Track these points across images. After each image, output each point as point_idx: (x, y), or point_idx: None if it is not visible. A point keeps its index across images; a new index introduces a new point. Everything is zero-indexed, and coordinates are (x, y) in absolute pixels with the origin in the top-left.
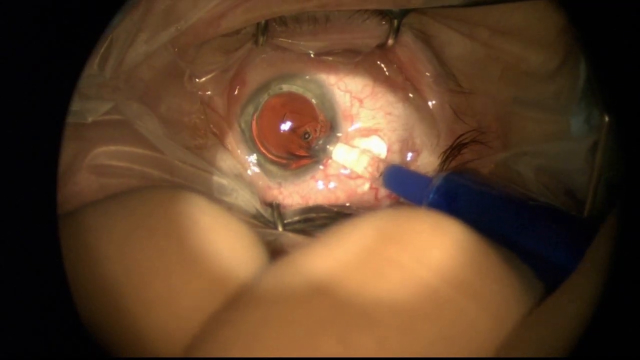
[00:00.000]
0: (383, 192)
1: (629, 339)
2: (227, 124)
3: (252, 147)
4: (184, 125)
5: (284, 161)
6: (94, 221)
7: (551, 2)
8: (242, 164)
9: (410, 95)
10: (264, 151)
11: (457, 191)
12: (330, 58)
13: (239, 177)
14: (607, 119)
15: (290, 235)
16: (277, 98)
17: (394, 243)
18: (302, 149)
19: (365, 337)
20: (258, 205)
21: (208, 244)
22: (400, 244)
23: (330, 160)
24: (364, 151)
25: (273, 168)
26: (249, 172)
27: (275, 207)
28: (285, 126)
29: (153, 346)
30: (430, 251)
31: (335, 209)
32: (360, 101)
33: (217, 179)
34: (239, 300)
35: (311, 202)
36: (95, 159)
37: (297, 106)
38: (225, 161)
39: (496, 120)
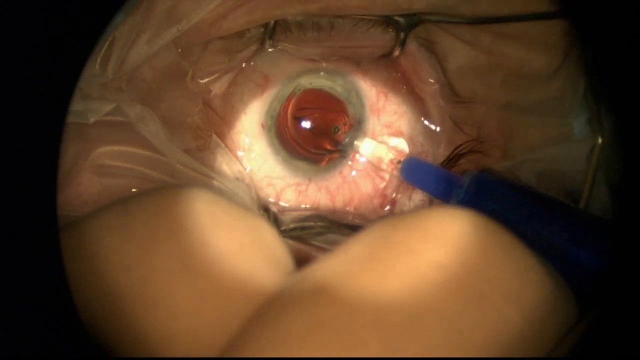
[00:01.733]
0: (389, 199)
1: (629, 339)
2: (228, 125)
3: (279, 146)
4: (186, 126)
5: (315, 156)
6: (98, 234)
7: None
8: (265, 159)
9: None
10: (293, 147)
11: (488, 190)
12: (333, 66)
13: (239, 181)
14: (600, 140)
15: (292, 242)
16: (305, 94)
17: (433, 243)
18: (331, 144)
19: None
20: (255, 211)
21: (220, 250)
22: (431, 241)
23: (357, 155)
24: (390, 147)
25: (301, 165)
26: (257, 173)
27: (271, 214)
28: (315, 122)
29: None
30: (462, 246)
31: (332, 218)
32: (385, 95)
33: (216, 183)
34: (273, 308)
35: (338, 198)
36: (97, 160)
37: (325, 101)
38: (226, 164)
39: (497, 128)
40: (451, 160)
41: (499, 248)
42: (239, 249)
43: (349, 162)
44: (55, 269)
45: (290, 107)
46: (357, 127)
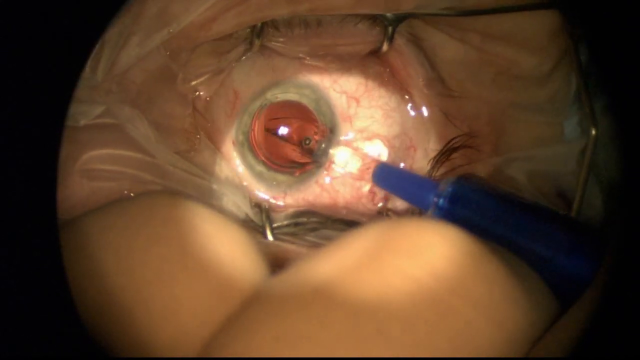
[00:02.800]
0: (379, 196)
1: (629, 339)
2: (219, 131)
3: (253, 159)
4: (176, 129)
5: (288, 169)
6: (94, 232)
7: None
8: (237, 173)
9: (406, 96)
10: (265, 161)
11: (465, 197)
12: (322, 64)
13: (229, 181)
14: (594, 132)
15: (282, 244)
16: (273, 107)
17: (408, 257)
18: (305, 155)
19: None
20: (248, 210)
21: (211, 252)
22: (408, 255)
23: (333, 164)
24: (364, 154)
25: (277, 176)
26: (245, 183)
27: (264, 211)
28: (285, 134)
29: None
30: (438, 261)
31: (326, 214)
32: (357, 100)
33: (207, 183)
34: (255, 308)
35: (317, 206)
36: (87, 163)
37: (294, 113)
38: (217, 165)
39: (488, 124)
40: (444, 154)
41: (470, 260)
42: (220, 256)
43: (325, 171)
44: (55, 272)
45: (259, 122)
46: (330, 135)
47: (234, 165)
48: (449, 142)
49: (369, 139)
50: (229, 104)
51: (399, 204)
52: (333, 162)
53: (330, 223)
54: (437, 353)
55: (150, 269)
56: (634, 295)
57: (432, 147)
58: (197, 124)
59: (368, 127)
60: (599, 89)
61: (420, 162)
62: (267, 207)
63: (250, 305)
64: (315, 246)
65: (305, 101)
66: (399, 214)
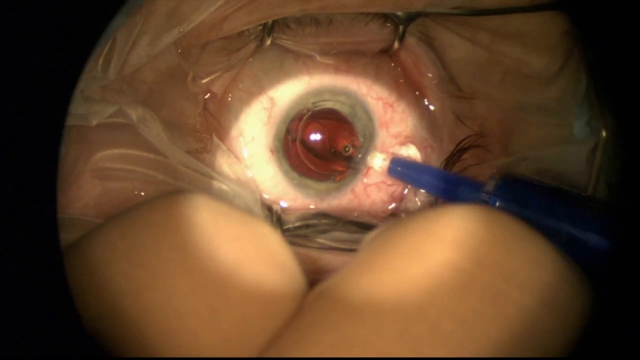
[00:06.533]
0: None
1: (629, 339)
2: (224, 127)
3: (288, 167)
4: (187, 128)
5: (325, 177)
6: (106, 258)
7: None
8: (272, 182)
9: (417, 93)
10: (303, 170)
11: (515, 194)
12: (333, 61)
13: (241, 182)
14: (604, 133)
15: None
16: (311, 116)
17: (444, 243)
18: (342, 162)
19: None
20: (259, 212)
21: (240, 262)
22: (449, 243)
23: (371, 170)
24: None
25: (313, 184)
26: (266, 195)
27: (274, 212)
28: (324, 143)
29: None
30: (481, 246)
31: (337, 215)
32: (392, 106)
33: (219, 184)
34: (305, 318)
35: (355, 213)
36: (99, 163)
37: (333, 122)
38: (228, 165)
39: (498, 124)
40: (455, 155)
41: (510, 240)
42: (245, 260)
43: (365, 180)
44: (55, 272)
45: (297, 132)
46: (369, 142)
47: (269, 173)
48: (460, 142)
49: (403, 143)
50: (266, 111)
51: (411, 205)
52: (371, 168)
53: (342, 225)
54: (491, 341)
55: (165, 289)
56: (634, 295)
57: (445, 147)
58: (208, 124)
59: (401, 132)
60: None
61: (435, 162)
62: (277, 209)
63: (300, 317)
64: (327, 250)
65: (341, 108)
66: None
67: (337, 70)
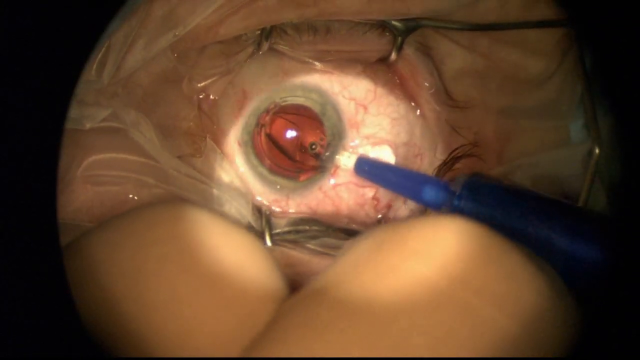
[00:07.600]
0: (383, 204)
1: (629, 339)
2: (224, 133)
3: (256, 161)
4: (181, 132)
5: (292, 174)
6: (100, 254)
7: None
8: (240, 177)
9: (412, 104)
10: (269, 164)
11: (482, 194)
12: (329, 68)
13: (233, 186)
14: (597, 150)
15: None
16: (280, 110)
17: (418, 257)
18: (310, 160)
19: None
20: (250, 216)
21: (226, 267)
22: (418, 256)
23: (338, 170)
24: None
25: (280, 181)
26: (248, 185)
27: (264, 216)
28: (291, 139)
29: None
30: (451, 259)
31: (328, 222)
32: (365, 108)
33: (210, 188)
34: (282, 325)
35: (319, 214)
36: (90, 168)
37: (301, 117)
38: (221, 169)
39: (494, 132)
40: (447, 164)
41: (486, 255)
42: (237, 266)
43: (332, 180)
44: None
45: (264, 123)
46: (337, 141)
47: (236, 166)
48: (453, 151)
49: (376, 144)
50: (237, 104)
51: (401, 212)
52: (339, 168)
53: (332, 232)
54: (461, 354)
55: (169, 285)
56: (634, 295)
57: (439, 156)
58: (203, 126)
59: (375, 134)
60: (603, 92)
61: (427, 170)
62: (267, 212)
63: (277, 324)
64: (316, 254)
65: (312, 105)
66: None
67: (313, 68)
